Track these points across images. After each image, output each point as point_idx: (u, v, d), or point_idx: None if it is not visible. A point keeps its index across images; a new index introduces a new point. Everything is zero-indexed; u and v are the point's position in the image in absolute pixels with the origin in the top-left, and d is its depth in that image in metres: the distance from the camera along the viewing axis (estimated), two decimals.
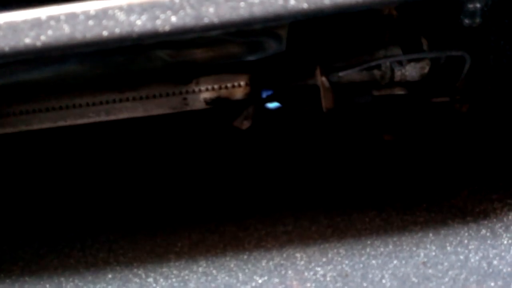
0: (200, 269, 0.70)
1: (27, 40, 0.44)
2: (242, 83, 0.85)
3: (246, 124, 0.86)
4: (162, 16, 0.44)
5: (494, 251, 0.66)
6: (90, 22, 0.44)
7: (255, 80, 0.85)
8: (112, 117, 0.87)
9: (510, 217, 0.71)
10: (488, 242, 0.67)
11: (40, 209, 0.89)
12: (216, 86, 0.86)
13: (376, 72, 0.81)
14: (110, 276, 0.71)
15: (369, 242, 0.70)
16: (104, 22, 0.44)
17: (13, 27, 0.44)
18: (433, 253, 0.67)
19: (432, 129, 0.91)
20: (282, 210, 0.80)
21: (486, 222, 0.71)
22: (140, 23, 0.44)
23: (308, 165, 0.89)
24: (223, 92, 0.86)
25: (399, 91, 0.83)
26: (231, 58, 0.78)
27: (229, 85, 0.86)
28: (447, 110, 0.89)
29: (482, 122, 0.87)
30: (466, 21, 0.72)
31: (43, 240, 0.80)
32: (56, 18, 0.44)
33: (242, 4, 0.43)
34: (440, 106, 0.89)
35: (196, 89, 0.86)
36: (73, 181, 0.96)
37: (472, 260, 0.66)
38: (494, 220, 0.71)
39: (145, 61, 0.76)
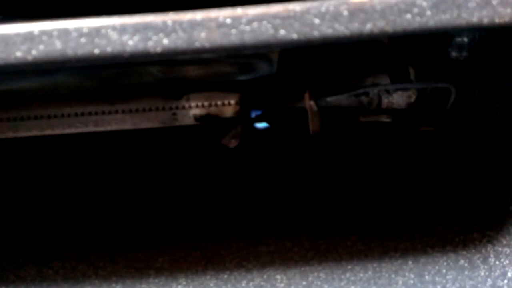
0: (179, 287, 0.70)
1: (18, 54, 0.45)
2: (232, 101, 0.86)
3: (234, 143, 0.87)
4: (154, 37, 0.44)
5: (471, 282, 0.67)
6: (83, 40, 0.44)
7: (245, 99, 0.86)
8: (101, 129, 0.87)
9: (488, 248, 0.72)
10: (466, 273, 0.68)
11: (20, 217, 0.88)
12: (206, 103, 0.87)
13: (364, 99, 0.83)
14: None
15: (349, 267, 0.71)
16: (97, 40, 0.44)
17: (4, 39, 0.45)
18: (411, 282, 0.68)
19: (415, 157, 0.93)
20: (265, 230, 0.80)
21: (464, 252, 0.72)
22: (132, 43, 0.44)
23: (292, 187, 0.90)
24: (213, 110, 0.87)
25: (385, 119, 0.84)
26: (222, 77, 0.79)
27: (219, 102, 0.87)
28: (431, 139, 0.91)
29: (465, 153, 0.89)
30: (453, 54, 0.74)
31: (22, 249, 0.79)
32: (49, 34, 0.45)
33: (233, 31, 0.44)
34: (424, 135, 0.91)
35: (186, 105, 0.87)
36: (55, 191, 0.95)
37: None
38: (473, 251, 0.72)
39: (136, 76, 0.77)
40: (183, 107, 0.87)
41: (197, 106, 0.87)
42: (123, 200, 0.91)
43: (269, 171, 0.93)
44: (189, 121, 0.87)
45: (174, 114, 0.87)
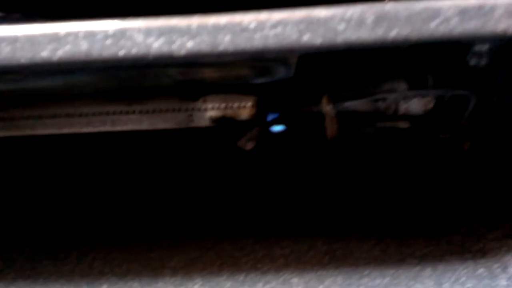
0: (196, 287, 0.70)
1: (44, 54, 0.45)
2: (248, 104, 0.86)
3: (249, 145, 0.87)
4: (179, 40, 0.45)
5: None
6: (108, 41, 0.45)
7: (262, 102, 0.86)
8: (117, 128, 0.88)
9: (507, 257, 0.71)
10: (485, 281, 0.67)
11: (37, 214, 0.89)
12: (222, 105, 0.87)
13: (381, 104, 0.82)
14: (105, 286, 0.71)
15: (366, 272, 0.70)
16: (122, 42, 0.45)
17: (31, 40, 0.45)
18: None
19: (433, 164, 0.92)
20: (280, 233, 0.80)
21: (483, 261, 0.71)
22: (156, 46, 0.45)
23: (308, 190, 0.90)
24: (229, 112, 0.87)
25: (402, 125, 0.84)
26: (240, 79, 0.79)
27: (235, 105, 0.87)
28: (449, 146, 0.90)
29: (482, 161, 0.88)
30: (473, 61, 0.73)
31: (39, 245, 0.80)
32: (75, 34, 0.45)
33: (257, 35, 0.44)
34: (442, 142, 0.90)
35: (203, 106, 0.87)
36: (73, 189, 0.96)
37: None
38: (492, 259, 0.71)
39: (154, 77, 0.77)
40: (199, 109, 0.87)
41: (213, 108, 0.87)
42: (139, 200, 0.91)
43: (285, 174, 0.93)
44: (205, 122, 0.88)
45: (191, 115, 0.88)
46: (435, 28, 0.44)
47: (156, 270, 0.73)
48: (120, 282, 0.71)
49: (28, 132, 0.88)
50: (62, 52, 0.45)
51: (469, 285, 0.67)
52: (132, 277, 0.72)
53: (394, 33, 0.43)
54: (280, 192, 0.90)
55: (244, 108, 0.86)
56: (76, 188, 0.96)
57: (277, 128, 0.90)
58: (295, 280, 0.70)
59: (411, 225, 0.80)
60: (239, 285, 0.69)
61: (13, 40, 0.45)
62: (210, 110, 0.87)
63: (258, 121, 0.86)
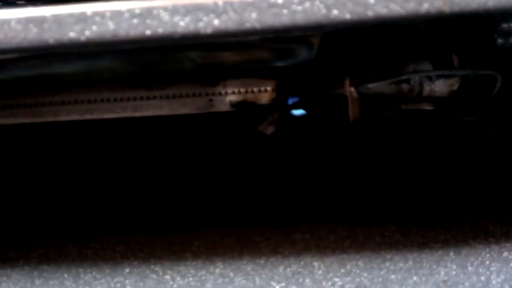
0: (217, 271, 0.70)
1: (72, 34, 0.45)
2: (268, 88, 0.85)
3: (270, 129, 0.87)
4: (205, 18, 0.44)
5: None
6: (135, 21, 0.45)
7: (282, 86, 0.85)
8: (138, 114, 0.88)
9: None
10: (510, 265, 0.66)
11: (60, 199, 0.90)
12: (242, 90, 0.86)
13: (405, 86, 0.81)
14: (127, 270, 0.72)
15: (388, 256, 0.70)
16: (148, 21, 0.44)
17: (58, 20, 0.45)
18: (454, 272, 0.66)
19: (457, 147, 0.90)
20: (300, 217, 0.79)
21: (508, 245, 0.70)
22: (183, 24, 0.44)
23: (329, 175, 0.89)
24: (249, 96, 0.87)
25: (427, 107, 0.82)
26: (260, 63, 0.78)
27: (255, 89, 0.86)
28: (474, 129, 0.88)
29: (508, 144, 0.86)
30: (500, 40, 0.71)
31: (62, 230, 0.81)
32: (102, 14, 0.45)
33: (285, 11, 0.43)
34: (466, 125, 0.88)
35: (223, 91, 0.87)
36: (96, 174, 0.97)
37: (494, 282, 0.65)
38: None
39: (175, 61, 0.77)
40: (220, 94, 0.87)
41: (233, 93, 0.87)
42: (160, 185, 0.92)
43: (306, 159, 0.93)
44: (226, 107, 0.87)
45: (211, 100, 0.88)
46: (469, 0, 0.42)
47: (177, 254, 0.74)
48: (142, 266, 0.72)
49: (50, 118, 0.89)
50: (89, 33, 0.45)
51: (493, 268, 0.66)
52: (154, 261, 0.72)
53: (427, 5, 0.42)
54: (301, 177, 0.90)
55: (264, 92, 0.86)
56: (98, 173, 0.97)
57: (298, 111, 0.89)
58: (316, 263, 0.69)
59: (433, 209, 0.79)
60: (260, 269, 0.69)
61: (41, 20, 0.45)
62: (230, 95, 0.87)
63: (279, 105, 0.86)
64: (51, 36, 0.45)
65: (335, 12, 0.43)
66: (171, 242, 0.76)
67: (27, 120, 0.88)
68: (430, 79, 0.79)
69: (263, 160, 0.95)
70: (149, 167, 0.98)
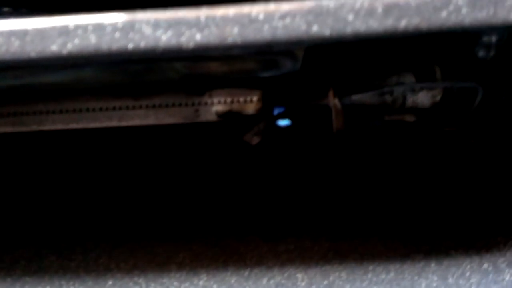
0: (201, 283, 0.70)
1: (54, 47, 0.45)
2: (254, 98, 0.86)
3: (255, 140, 0.87)
4: (187, 33, 0.45)
5: (496, 286, 0.66)
6: (117, 34, 0.45)
7: (268, 96, 0.85)
8: (124, 124, 0.88)
9: None
10: (490, 276, 0.67)
11: (43, 209, 0.90)
12: (228, 100, 0.87)
13: (388, 97, 0.82)
14: (110, 282, 0.71)
15: (371, 267, 0.70)
16: (131, 35, 0.45)
17: (41, 33, 0.45)
18: (435, 284, 0.67)
19: (439, 158, 0.91)
20: (284, 228, 0.80)
21: (488, 256, 0.71)
22: (165, 38, 0.45)
23: (313, 185, 0.90)
24: (235, 106, 0.87)
25: (409, 118, 0.83)
26: (246, 73, 0.79)
27: (241, 99, 0.87)
28: (455, 139, 0.89)
29: (489, 155, 0.87)
30: (481, 53, 0.73)
31: (45, 242, 0.80)
32: (84, 28, 0.45)
33: (266, 27, 0.44)
34: (448, 135, 0.89)
35: (209, 101, 0.87)
36: (78, 184, 0.96)
37: None
38: (497, 254, 0.71)
39: (161, 71, 0.77)
40: (206, 103, 0.87)
41: (219, 103, 0.87)
42: (145, 195, 0.91)
43: (291, 169, 0.93)
44: (212, 117, 0.87)
45: (197, 110, 0.88)
46: (446, 18, 0.43)
47: (161, 266, 0.73)
48: (126, 277, 0.71)
49: (34, 127, 0.88)
50: (71, 46, 0.45)
51: (473, 280, 0.67)
52: (137, 273, 0.72)
53: (404, 22, 0.43)
54: (285, 187, 0.90)
55: (250, 103, 0.86)
56: (81, 184, 0.96)
57: (284, 122, 0.90)
58: (299, 275, 0.70)
59: (416, 220, 0.80)
60: (244, 281, 0.69)
61: (23, 33, 0.45)
62: (216, 105, 0.87)
63: (264, 115, 0.86)
64: (33, 49, 0.45)
65: (315, 28, 0.43)
66: (155, 253, 0.75)
67: (10, 129, 0.87)
68: (413, 90, 0.80)
69: (248, 170, 0.95)
70: (134, 176, 0.97)
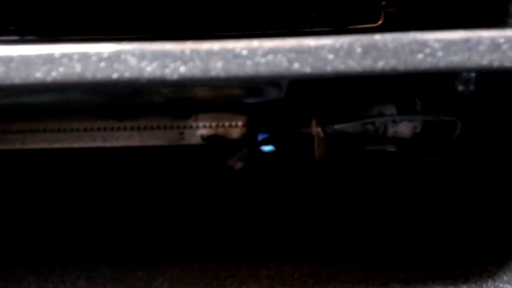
0: None
1: (38, 75, 0.46)
2: (239, 123, 0.87)
3: (239, 165, 0.88)
4: (172, 65, 0.46)
5: None
6: (102, 64, 0.45)
7: (252, 122, 0.87)
8: (108, 144, 0.88)
9: (489, 284, 0.72)
10: None
11: (22, 229, 0.88)
12: (213, 124, 0.88)
13: (370, 127, 0.84)
14: None
15: None
16: (115, 65, 0.45)
17: (26, 60, 0.46)
18: None
19: (419, 188, 0.93)
20: (266, 254, 0.80)
21: (465, 287, 0.71)
22: (150, 70, 0.46)
23: (295, 212, 0.90)
24: (220, 130, 0.88)
25: (390, 148, 0.85)
26: (231, 99, 0.80)
27: (226, 124, 0.88)
28: (435, 170, 0.91)
29: (468, 186, 0.89)
30: (460, 87, 0.75)
31: (22, 263, 0.79)
32: (69, 56, 0.46)
33: (249, 62, 0.45)
34: (428, 166, 0.91)
35: (194, 124, 0.88)
36: (57, 205, 0.95)
37: None
38: (473, 285, 0.72)
39: (146, 94, 0.78)
40: (191, 127, 0.88)
41: (204, 126, 0.88)
42: (125, 217, 0.91)
43: (273, 195, 0.94)
44: (196, 140, 0.88)
45: (182, 133, 0.88)
46: (422, 60, 0.45)
47: None
48: None
49: (17, 146, 0.88)
50: (56, 74, 0.45)
51: None
52: None
53: (382, 63, 0.45)
54: (268, 213, 0.91)
55: (235, 127, 0.87)
56: (59, 204, 0.95)
57: (268, 148, 0.91)
58: None
59: (396, 249, 0.81)
60: None
61: (8, 60, 0.45)
62: (201, 128, 0.88)
63: (249, 140, 0.87)
64: (17, 75, 0.45)
65: (296, 65, 0.45)
66: (135, 277, 0.74)
67: None
68: (394, 121, 0.83)
69: (231, 194, 0.95)
70: (115, 198, 0.97)
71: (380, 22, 0.67)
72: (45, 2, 0.59)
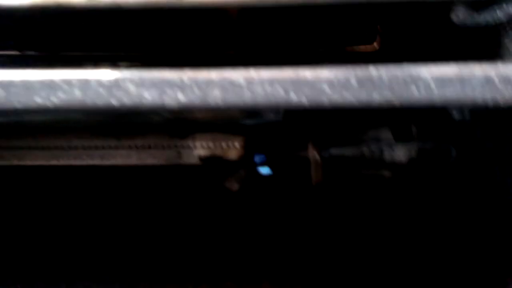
0: None
1: (38, 100, 0.46)
2: (237, 144, 0.87)
3: (236, 186, 0.88)
4: (170, 92, 0.46)
5: None
6: (101, 90, 0.46)
7: (250, 143, 0.87)
8: (106, 163, 0.88)
9: None
10: None
11: (17, 247, 0.88)
12: (211, 144, 0.88)
13: (366, 151, 0.85)
14: None
15: None
16: (115, 92, 0.46)
17: (26, 85, 0.46)
18: None
19: (413, 213, 0.93)
20: (260, 277, 0.79)
21: None
22: (148, 97, 0.46)
23: (290, 235, 0.90)
24: (218, 151, 0.88)
25: (386, 173, 0.86)
26: (229, 119, 0.81)
27: (224, 144, 0.88)
28: (431, 195, 0.91)
29: (462, 214, 0.90)
30: (456, 116, 0.76)
31: (18, 278, 0.78)
32: (69, 82, 0.46)
33: (246, 91, 0.46)
34: (424, 191, 0.92)
35: (192, 144, 0.88)
36: (52, 224, 0.95)
37: None
38: None
39: (145, 115, 0.78)
40: (188, 147, 0.89)
41: (202, 147, 0.88)
42: (120, 237, 0.90)
43: (269, 218, 0.94)
44: (194, 160, 0.88)
45: (179, 152, 0.89)
46: (416, 94, 0.46)
47: None
48: None
49: (15, 162, 0.88)
50: (56, 99, 0.46)
51: None
52: None
53: (378, 97, 0.45)
54: (264, 235, 0.91)
55: (233, 148, 0.87)
56: (54, 222, 0.95)
57: (265, 170, 0.91)
58: None
59: (390, 272, 0.81)
60: None
61: (8, 84, 0.46)
62: (199, 148, 0.88)
63: (246, 162, 0.88)
64: (18, 100, 0.46)
65: (293, 96, 0.45)
66: None
67: None
68: (390, 146, 0.83)
69: (227, 216, 0.95)
70: (111, 217, 0.97)
71: (375, 45, 0.69)
72: (44, 19, 0.60)
